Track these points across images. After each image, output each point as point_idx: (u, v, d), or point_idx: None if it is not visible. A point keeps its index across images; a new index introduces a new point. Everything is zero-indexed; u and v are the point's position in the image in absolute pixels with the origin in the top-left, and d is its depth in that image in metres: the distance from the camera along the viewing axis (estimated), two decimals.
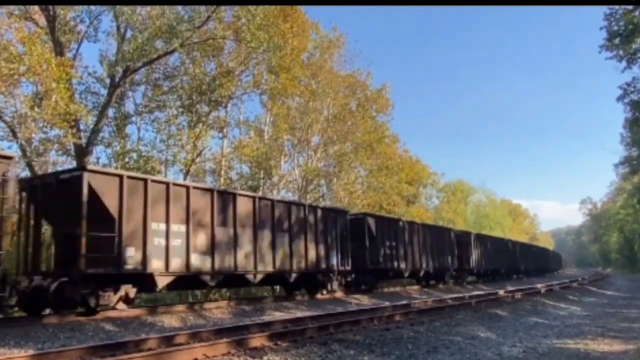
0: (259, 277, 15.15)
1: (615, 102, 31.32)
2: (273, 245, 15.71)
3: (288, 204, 17.12)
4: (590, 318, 14.33)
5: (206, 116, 24.58)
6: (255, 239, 14.97)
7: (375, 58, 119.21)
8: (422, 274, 25.53)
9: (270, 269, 15.53)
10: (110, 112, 22.98)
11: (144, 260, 11.84)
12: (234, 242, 14.23)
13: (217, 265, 13.59)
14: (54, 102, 17.26)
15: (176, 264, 12.58)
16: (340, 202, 31.98)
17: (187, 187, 13.34)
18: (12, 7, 18.95)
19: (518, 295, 18.70)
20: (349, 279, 20.59)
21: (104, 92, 22.33)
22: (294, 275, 16.59)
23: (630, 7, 25.53)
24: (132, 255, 11.64)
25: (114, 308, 11.66)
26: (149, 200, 12.05)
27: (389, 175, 35.88)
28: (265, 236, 15.52)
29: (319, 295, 17.99)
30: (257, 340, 7.94)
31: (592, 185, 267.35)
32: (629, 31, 25.83)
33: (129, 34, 21.13)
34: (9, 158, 10.15)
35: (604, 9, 26.18)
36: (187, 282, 13.56)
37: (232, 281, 15.14)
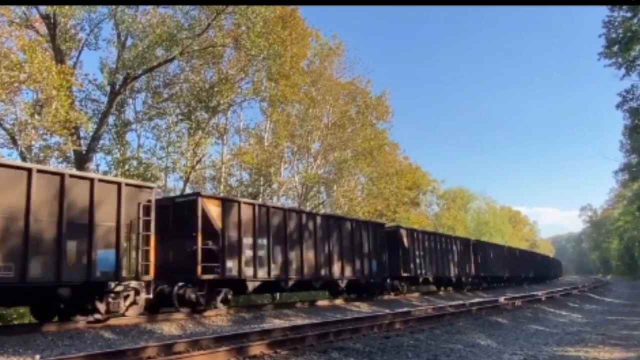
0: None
1: (615, 109, 31.46)
2: (330, 256, 18.59)
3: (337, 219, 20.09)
4: (591, 325, 14.28)
5: (206, 123, 24.63)
6: (316, 251, 17.69)
7: (375, 65, 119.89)
8: (445, 280, 28.04)
9: (328, 276, 18.38)
10: (111, 119, 23.04)
11: (240, 268, 14.36)
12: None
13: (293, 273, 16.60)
14: (54, 109, 17.30)
15: (262, 272, 15.16)
16: (340, 209, 31.98)
17: (268, 208, 15.96)
18: (12, 15, 19.03)
19: (518, 302, 18.65)
20: (385, 285, 22.29)
21: (104, 99, 22.40)
22: (345, 281, 19.36)
23: (628, 14, 25.63)
24: (231, 264, 14.15)
25: (216, 307, 13.95)
26: (242, 218, 14.62)
27: (389, 182, 35.92)
28: (325, 249, 18.31)
29: (318, 302, 17.99)
30: (257, 348, 7.91)
31: (593, 191, 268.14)
32: (628, 39, 25.95)
33: (129, 41, 21.23)
34: (151, 188, 12.69)
35: (602, 16, 26.30)
36: (269, 286, 16.32)
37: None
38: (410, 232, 24.70)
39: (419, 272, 24.27)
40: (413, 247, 24.11)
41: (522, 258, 46.05)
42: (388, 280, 22.24)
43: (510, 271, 39.57)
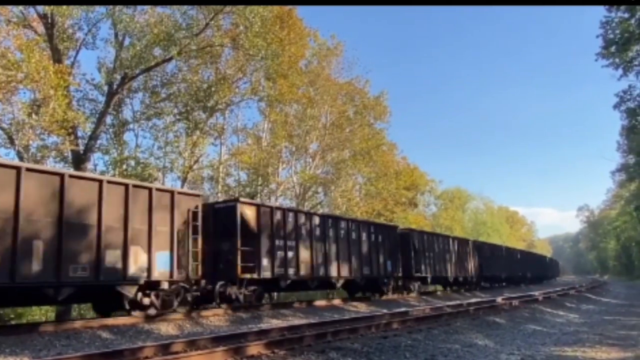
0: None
1: (612, 109, 31.54)
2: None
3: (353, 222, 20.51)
4: (588, 325, 14.30)
5: (203, 123, 24.62)
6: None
7: (374, 65, 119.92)
8: (452, 280, 28.63)
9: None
10: (108, 119, 23.03)
11: (272, 268, 15.47)
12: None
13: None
14: (51, 109, 17.26)
15: (292, 271, 16.38)
16: (338, 209, 31.97)
17: (296, 212, 17.19)
18: (10, 14, 18.99)
19: (516, 302, 18.66)
20: (399, 284, 22.99)
21: (102, 99, 22.40)
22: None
23: (626, 15, 25.68)
24: (265, 264, 15.17)
25: (252, 303, 15.11)
26: (274, 222, 15.79)
27: (387, 182, 35.96)
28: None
29: (316, 303, 17.98)
30: (254, 348, 7.91)
31: (590, 192, 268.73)
32: (625, 39, 26.01)
33: (127, 41, 21.20)
34: (198, 196, 13.92)
35: (600, 16, 26.38)
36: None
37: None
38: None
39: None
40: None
41: (519, 258, 45.98)
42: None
43: (506, 271, 39.45)
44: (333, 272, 18.47)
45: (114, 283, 11.36)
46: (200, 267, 13.57)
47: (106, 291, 11.62)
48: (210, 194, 27.15)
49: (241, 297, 14.81)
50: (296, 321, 13.39)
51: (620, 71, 27.99)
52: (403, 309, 16.07)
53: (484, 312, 15.18)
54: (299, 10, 27.80)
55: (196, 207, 13.67)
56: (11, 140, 18.02)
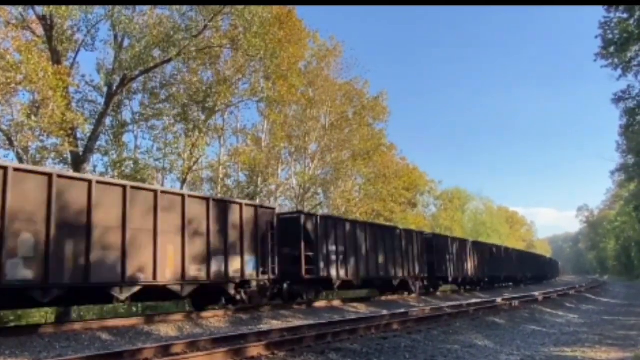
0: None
1: (611, 109, 31.48)
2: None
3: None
4: (588, 326, 14.32)
5: (203, 124, 24.61)
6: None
7: (373, 66, 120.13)
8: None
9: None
10: (107, 120, 22.98)
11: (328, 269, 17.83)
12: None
13: None
14: (50, 110, 17.24)
15: (343, 273, 18.55)
16: (337, 209, 31.97)
17: (348, 221, 19.40)
18: (9, 16, 18.99)
19: (515, 303, 18.66)
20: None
21: (101, 100, 22.36)
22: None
23: (625, 15, 25.69)
24: (322, 266, 17.26)
25: (313, 301, 17.45)
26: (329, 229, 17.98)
27: (387, 183, 35.95)
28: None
29: (316, 304, 17.96)
30: (254, 349, 7.91)
31: (590, 192, 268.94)
32: (624, 39, 25.99)
33: (126, 42, 21.17)
34: (273, 209, 16.62)
35: (599, 16, 26.36)
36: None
37: None
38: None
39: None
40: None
41: (519, 258, 45.89)
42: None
43: (506, 272, 39.34)
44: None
45: None
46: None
47: None
48: (210, 195, 26.86)
49: None
50: (296, 322, 13.39)
51: (619, 71, 27.99)
52: (403, 310, 16.07)
53: (483, 313, 15.19)
54: (299, 11, 27.84)
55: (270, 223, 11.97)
56: (10, 142, 18.00)
